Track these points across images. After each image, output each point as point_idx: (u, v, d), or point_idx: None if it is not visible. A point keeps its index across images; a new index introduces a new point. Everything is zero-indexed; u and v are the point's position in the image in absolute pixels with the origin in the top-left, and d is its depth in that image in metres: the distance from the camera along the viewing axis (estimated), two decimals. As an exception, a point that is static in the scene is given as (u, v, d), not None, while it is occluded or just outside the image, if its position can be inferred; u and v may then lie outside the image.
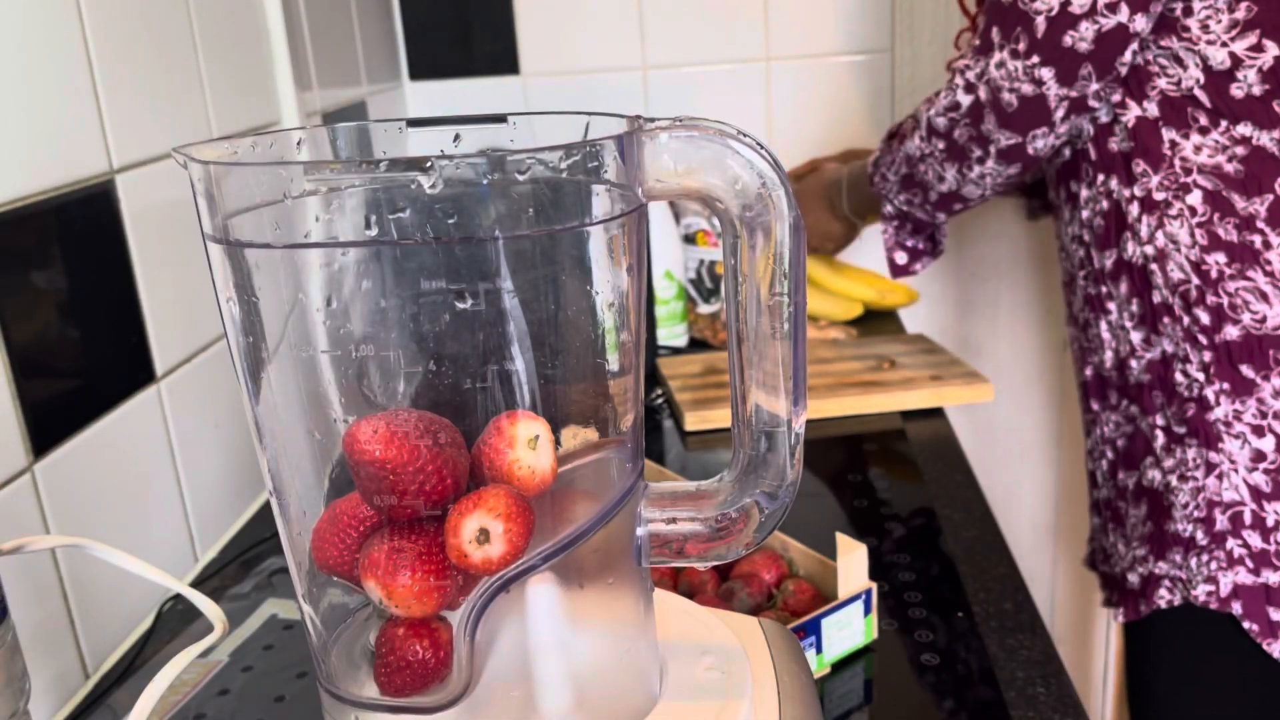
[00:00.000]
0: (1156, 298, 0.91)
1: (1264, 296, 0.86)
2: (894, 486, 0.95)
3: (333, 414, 0.42)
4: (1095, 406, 1.02)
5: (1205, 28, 0.87)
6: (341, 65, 1.27)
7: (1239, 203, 0.87)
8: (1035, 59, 0.90)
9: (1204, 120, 0.88)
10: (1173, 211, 0.89)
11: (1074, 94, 0.91)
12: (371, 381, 0.41)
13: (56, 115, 0.72)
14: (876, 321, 1.42)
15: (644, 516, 0.46)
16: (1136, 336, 0.94)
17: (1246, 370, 0.87)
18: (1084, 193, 0.97)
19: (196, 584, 0.85)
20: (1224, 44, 0.87)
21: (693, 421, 1.10)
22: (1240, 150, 0.87)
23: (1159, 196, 0.90)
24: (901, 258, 1.18)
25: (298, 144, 0.46)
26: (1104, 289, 0.96)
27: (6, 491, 0.66)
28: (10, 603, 0.61)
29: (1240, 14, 0.86)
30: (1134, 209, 0.92)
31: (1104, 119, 0.94)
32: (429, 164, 0.37)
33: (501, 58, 1.51)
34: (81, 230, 0.74)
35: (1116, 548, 1.00)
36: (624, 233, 0.42)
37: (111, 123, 0.78)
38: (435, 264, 0.39)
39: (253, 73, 1.04)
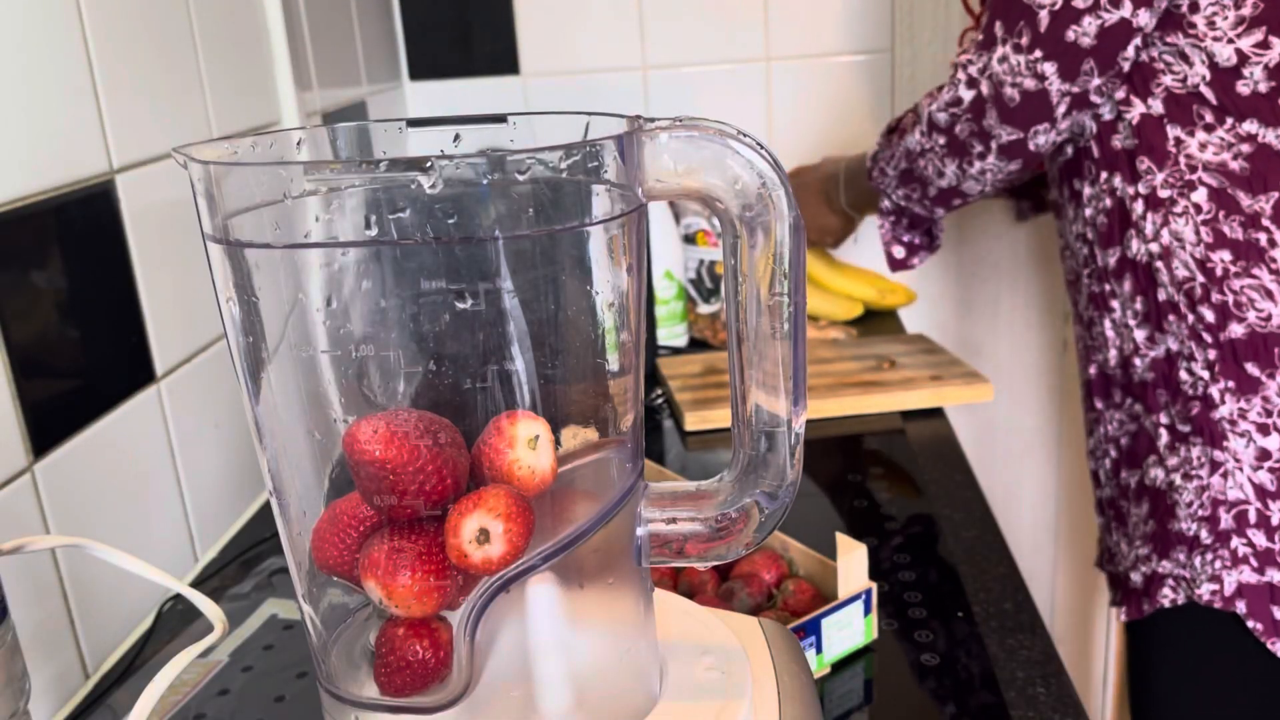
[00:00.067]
0: (1161, 295, 0.91)
1: (1269, 294, 0.86)
2: (894, 487, 0.95)
3: (333, 414, 0.42)
4: (1099, 405, 1.02)
5: (1211, 24, 0.87)
6: (341, 65, 1.27)
7: (1244, 200, 0.87)
8: (1038, 53, 0.90)
9: (1209, 117, 0.88)
10: (1178, 209, 0.89)
11: (1076, 89, 0.90)
12: (371, 381, 0.41)
13: (56, 115, 0.72)
14: (876, 321, 1.42)
15: (644, 516, 0.46)
16: (1140, 334, 0.94)
17: (1251, 368, 0.87)
18: (1087, 190, 0.97)
19: (196, 584, 0.85)
20: (1230, 40, 0.86)
21: (693, 421, 1.10)
22: (1246, 148, 0.87)
23: (1164, 194, 0.90)
24: (899, 252, 1.18)
25: (298, 144, 0.46)
26: (1107, 287, 0.96)
27: (6, 491, 0.66)
28: (10, 603, 0.61)
29: (1247, 10, 0.86)
30: (1138, 206, 0.91)
31: (1107, 116, 0.93)
32: (429, 164, 0.37)
33: (501, 58, 1.51)
34: (81, 230, 0.74)
35: (1120, 547, 1.00)
36: (624, 233, 0.42)
37: (111, 123, 0.78)
38: (435, 264, 0.39)
39: (253, 73, 1.04)
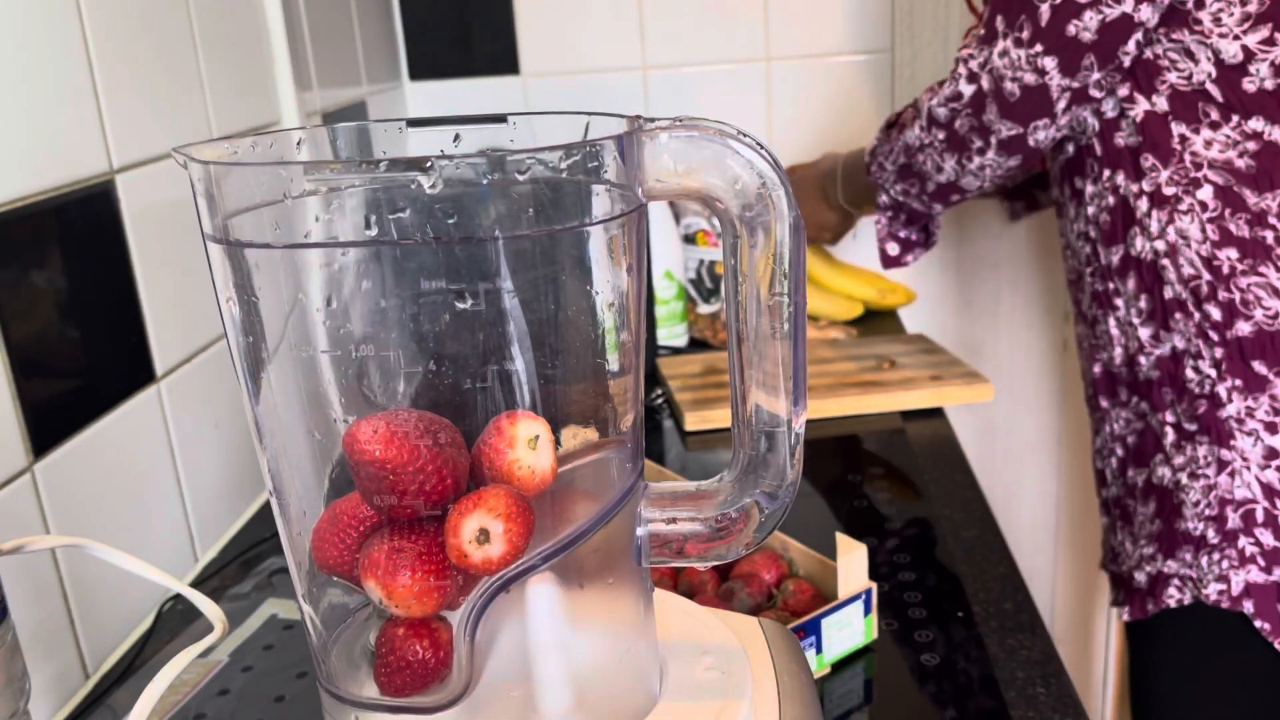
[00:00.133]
0: (1168, 293, 0.91)
1: (1276, 292, 0.86)
2: (894, 487, 0.95)
3: (333, 414, 0.42)
4: (1104, 404, 1.01)
5: (1217, 20, 0.86)
6: (341, 65, 1.27)
7: (1250, 198, 0.87)
8: (1038, 48, 0.89)
9: (1215, 115, 0.88)
10: (1183, 207, 0.89)
11: (1076, 84, 0.90)
12: (371, 381, 0.41)
13: (56, 115, 0.72)
14: (876, 321, 1.42)
15: (644, 516, 0.46)
16: (1145, 333, 0.93)
17: (1259, 366, 0.87)
18: (1089, 189, 0.97)
19: (196, 584, 0.85)
20: (1236, 37, 0.86)
21: (693, 421, 1.10)
22: (1252, 145, 0.87)
23: (1169, 191, 0.89)
24: (894, 248, 1.18)
25: (298, 144, 0.46)
26: (1111, 285, 0.96)
27: (6, 491, 0.66)
28: (10, 603, 0.61)
29: (1253, 7, 0.86)
30: (1143, 204, 0.91)
31: (1110, 113, 0.93)
32: (429, 164, 0.37)
33: (501, 58, 1.51)
34: (81, 230, 0.74)
35: (1124, 546, 1.00)
36: (624, 233, 0.42)
37: (111, 123, 0.78)
38: (435, 264, 0.39)
39: (253, 73, 1.04)
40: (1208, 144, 0.88)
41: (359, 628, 0.46)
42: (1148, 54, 0.90)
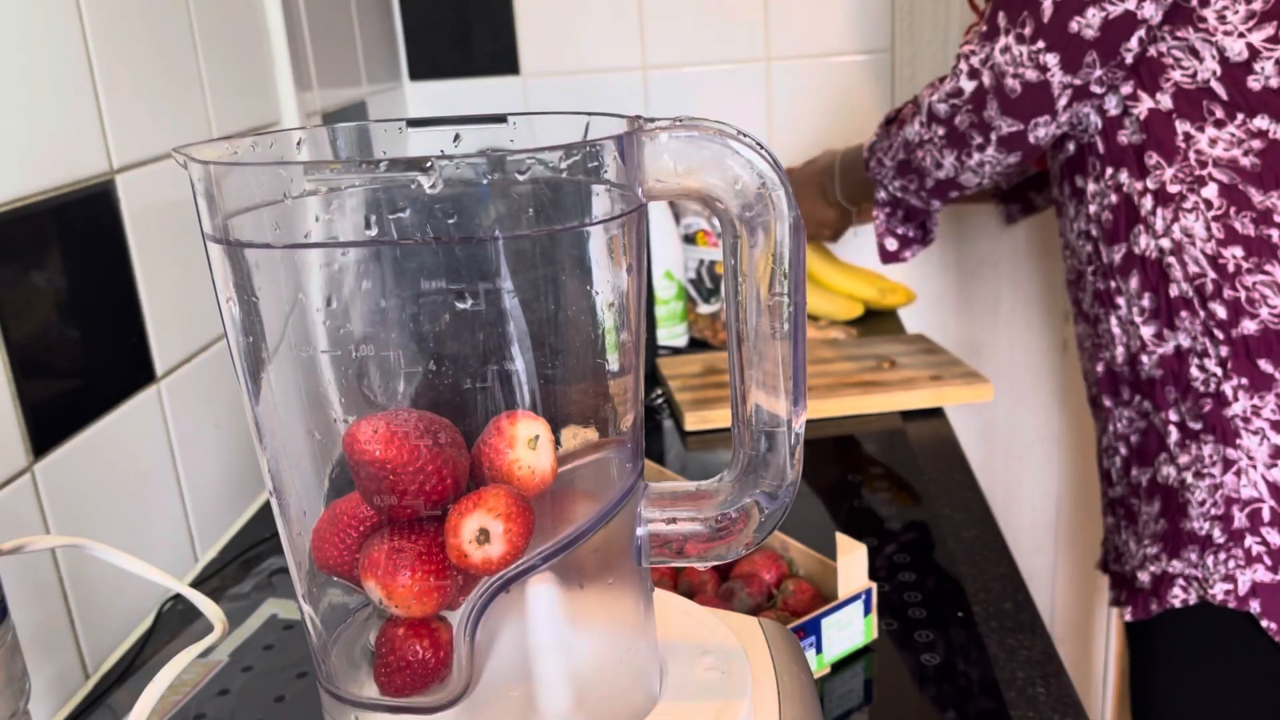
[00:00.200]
0: (1173, 291, 0.90)
1: None
2: (894, 487, 0.95)
3: (333, 414, 0.42)
4: (1107, 403, 1.01)
5: (1222, 18, 0.86)
6: (341, 65, 1.27)
7: (1256, 196, 0.87)
8: (1041, 44, 0.89)
9: (1220, 113, 0.88)
10: (1187, 205, 0.89)
11: (1078, 81, 0.90)
12: (371, 381, 0.41)
13: (56, 115, 0.72)
14: (876, 321, 1.42)
15: (644, 516, 0.46)
16: (1147, 331, 0.93)
17: (1265, 365, 0.87)
18: (1091, 187, 0.97)
19: (196, 584, 0.85)
20: (1241, 35, 0.86)
21: (693, 421, 1.10)
22: (1257, 144, 0.87)
23: (1173, 189, 0.89)
24: (892, 244, 1.18)
25: (298, 144, 0.46)
26: (1113, 283, 0.96)
27: (6, 491, 0.66)
28: (10, 603, 0.61)
29: (1258, 4, 0.86)
30: (1147, 201, 0.91)
31: (1114, 111, 0.93)
32: (429, 164, 0.37)
33: (501, 58, 1.51)
34: (81, 230, 0.74)
35: (1128, 545, 1.00)
36: (624, 233, 0.42)
37: (111, 123, 0.78)
38: (435, 264, 0.39)
39: (253, 73, 1.04)
40: (1212, 142, 0.88)
41: (359, 628, 0.46)
42: (1152, 52, 0.89)
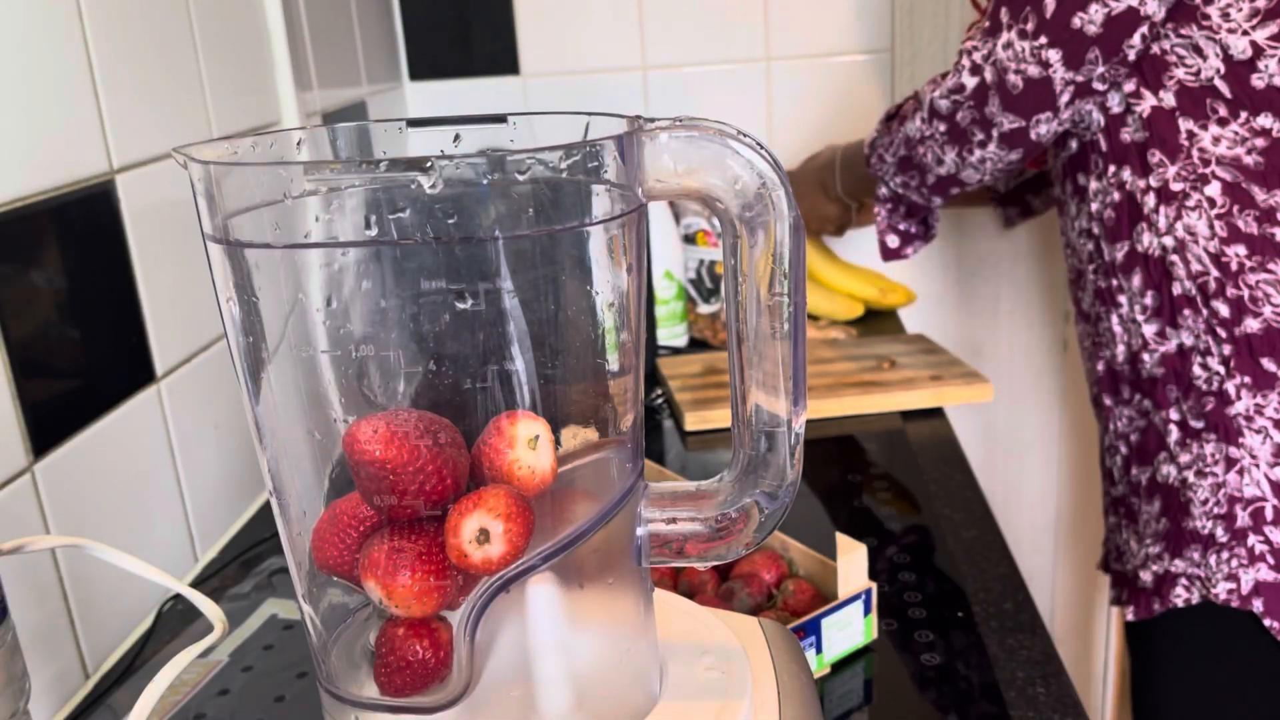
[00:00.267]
0: (1176, 289, 0.90)
1: None
2: (894, 487, 0.95)
3: (333, 414, 0.42)
4: (1108, 402, 1.01)
5: (1226, 16, 0.86)
6: (341, 65, 1.27)
7: (1259, 195, 0.87)
8: (1043, 40, 0.89)
9: (1223, 111, 0.88)
10: (1191, 203, 0.89)
11: (1080, 78, 0.90)
12: (371, 381, 0.41)
13: (56, 115, 0.72)
14: (876, 321, 1.42)
15: (644, 516, 0.46)
16: (1149, 330, 0.93)
17: (1268, 363, 0.87)
18: (1093, 185, 0.96)
19: (196, 584, 0.85)
20: (1245, 33, 0.86)
21: (693, 421, 1.10)
22: (1260, 142, 0.87)
23: (1176, 187, 0.89)
24: (893, 241, 1.17)
25: (298, 144, 0.46)
26: (1115, 282, 0.96)
27: (6, 491, 0.66)
28: (10, 603, 0.61)
29: (1261, 2, 0.85)
30: (1150, 199, 0.91)
31: (1116, 109, 0.93)
32: (429, 164, 0.37)
33: (501, 58, 1.51)
34: (81, 230, 0.74)
35: (1129, 545, 0.99)
36: (624, 233, 0.42)
37: (111, 123, 0.78)
38: (435, 264, 0.39)
39: (253, 73, 1.04)
40: (1216, 140, 0.88)
41: (359, 628, 0.46)
42: (1155, 50, 0.89)
